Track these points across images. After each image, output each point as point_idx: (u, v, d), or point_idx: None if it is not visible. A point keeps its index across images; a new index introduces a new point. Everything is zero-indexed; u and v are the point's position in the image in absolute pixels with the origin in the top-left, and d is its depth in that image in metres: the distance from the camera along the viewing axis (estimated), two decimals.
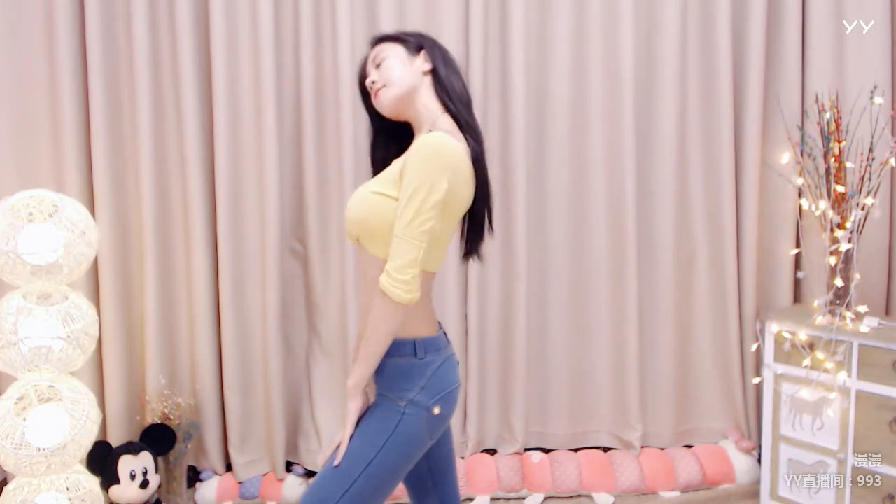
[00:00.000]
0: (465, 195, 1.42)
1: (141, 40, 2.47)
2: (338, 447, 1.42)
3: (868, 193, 2.37)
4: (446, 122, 1.46)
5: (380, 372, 1.45)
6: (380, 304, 1.36)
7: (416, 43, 1.50)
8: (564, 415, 2.81)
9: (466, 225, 1.56)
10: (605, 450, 2.82)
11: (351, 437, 1.41)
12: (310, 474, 2.69)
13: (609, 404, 2.80)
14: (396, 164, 1.43)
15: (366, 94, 1.55)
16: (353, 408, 1.42)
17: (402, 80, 1.46)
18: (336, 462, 1.39)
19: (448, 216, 1.41)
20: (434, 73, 1.49)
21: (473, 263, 2.64)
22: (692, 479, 2.69)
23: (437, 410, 1.42)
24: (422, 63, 1.48)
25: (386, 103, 1.47)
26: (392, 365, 1.43)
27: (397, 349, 1.43)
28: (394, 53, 1.48)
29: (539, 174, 2.72)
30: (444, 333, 1.53)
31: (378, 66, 1.48)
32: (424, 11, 2.59)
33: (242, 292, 2.63)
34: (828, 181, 2.43)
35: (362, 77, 1.55)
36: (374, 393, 1.48)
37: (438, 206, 1.34)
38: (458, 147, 1.38)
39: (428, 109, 1.48)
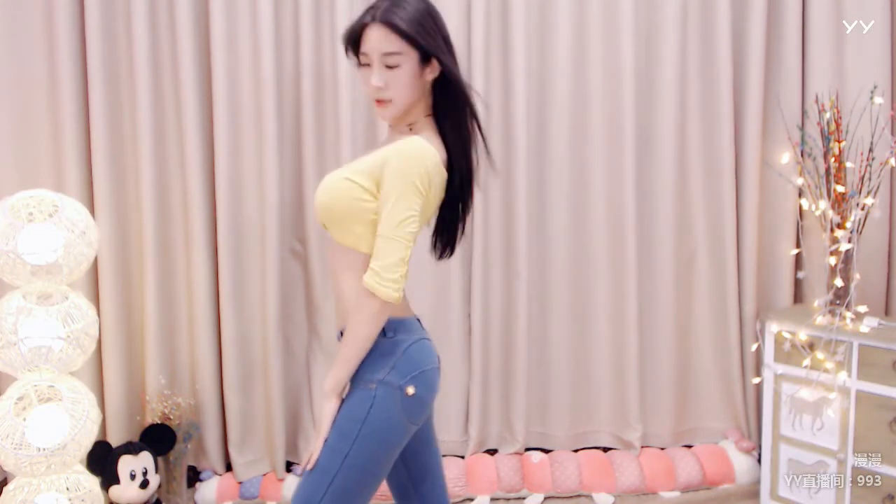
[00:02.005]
0: (434, 201, 1.43)
1: (141, 40, 2.47)
2: (311, 456, 1.39)
3: (868, 193, 2.37)
4: (428, 125, 1.46)
5: None
6: (366, 304, 1.35)
7: (429, 49, 1.38)
8: (565, 415, 2.81)
9: (441, 226, 1.57)
10: (605, 450, 2.82)
11: (331, 432, 1.39)
12: None
13: (609, 404, 2.80)
14: (373, 156, 1.41)
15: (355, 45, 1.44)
16: (330, 412, 1.39)
17: (409, 98, 1.42)
18: (309, 467, 1.37)
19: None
20: (440, 79, 1.43)
21: (476, 264, 2.66)
22: (692, 479, 2.69)
23: (411, 391, 1.39)
24: (429, 73, 1.42)
25: (387, 117, 1.44)
26: None
27: None
28: (408, 62, 1.38)
29: (539, 174, 2.72)
30: (419, 320, 1.52)
31: (389, 66, 1.38)
32: None
33: (242, 292, 2.63)
34: (828, 181, 2.43)
35: (354, 33, 1.41)
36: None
37: (420, 209, 1.35)
38: (434, 154, 1.38)
39: (416, 109, 1.46)
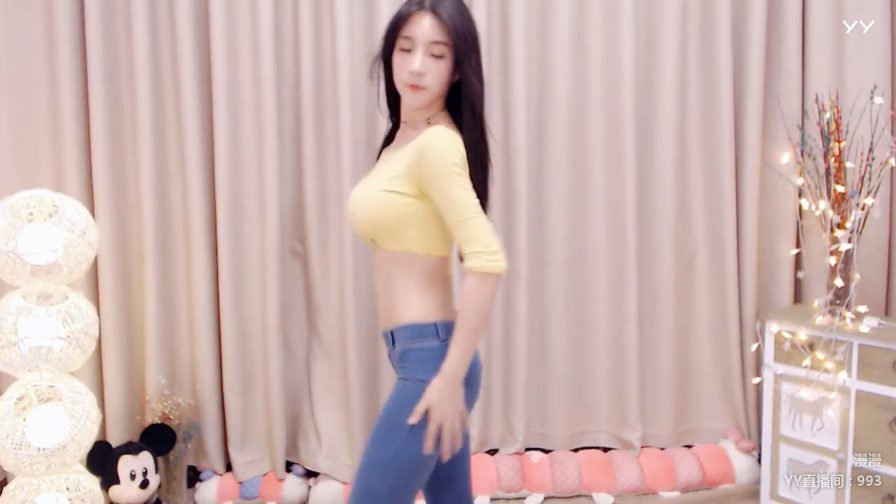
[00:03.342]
0: None
1: (141, 40, 2.47)
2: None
3: (868, 193, 2.37)
4: (444, 118, 1.49)
5: (403, 358, 1.46)
6: (479, 285, 1.35)
7: (461, 56, 1.43)
8: (565, 415, 2.81)
9: None
10: (605, 450, 2.82)
11: (379, 426, 1.44)
12: (310, 474, 2.69)
13: (609, 404, 2.80)
14: (400, 160, 1.45)
15: (388, 53, 1.49)
16: (462, 397, 1.41)
17: (440, 90, 1.46)
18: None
19: None
20: (461, 82, 1.47)
21: None
22: (692, 479, 2.69)
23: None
24: (456, 74, 1.47)
25: (418, 105, 1.46)
26: (418, 349, 1.44)
27: (421, 333, 1.44)
28: (449, 56, 1.43)
29: (539, 174, 2.72)
30: None
31: (435, 55, 1.42)
32: None
33: (242, 292, 2.63)
34: (828, 181, 2.43)
35: (401, 18, 1.44)
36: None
37: (470, 185, 1.39)
38: (460, 139, 1.42)
39: (436, 103, 1.49)
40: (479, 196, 1.49)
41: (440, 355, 1.42)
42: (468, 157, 1.46)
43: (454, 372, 1.39)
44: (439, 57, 1.42)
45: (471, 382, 1.47)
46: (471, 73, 1.44)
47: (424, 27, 1.41)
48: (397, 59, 1.45)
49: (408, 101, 1.46)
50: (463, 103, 1.46)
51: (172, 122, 2.58)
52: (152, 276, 2.56)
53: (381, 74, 1.54)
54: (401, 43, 1.44)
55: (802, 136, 2.55)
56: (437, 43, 1.41)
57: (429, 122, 1.48)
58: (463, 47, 1.42)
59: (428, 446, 1.39)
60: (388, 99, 1.58)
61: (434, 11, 1.40)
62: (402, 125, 1.57)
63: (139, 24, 2.46)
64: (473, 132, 1.47)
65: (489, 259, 1.35)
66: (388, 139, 1.63)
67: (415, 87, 1.43)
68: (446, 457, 1.42)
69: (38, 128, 2.50)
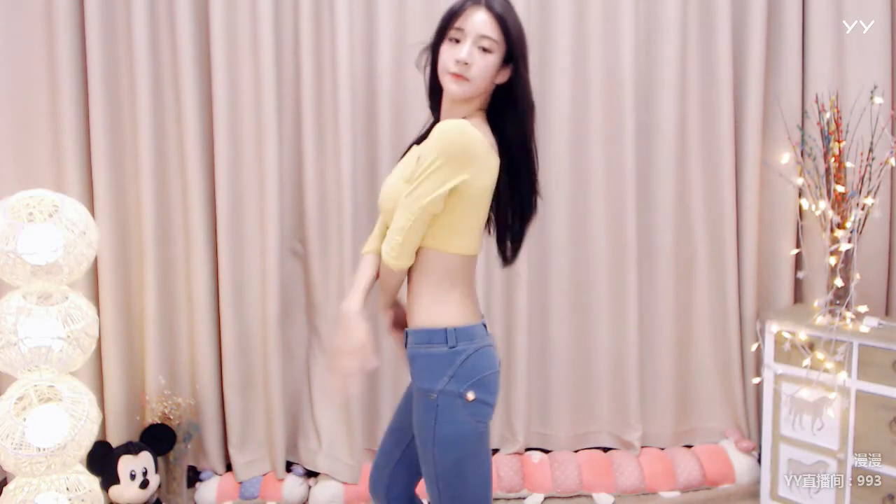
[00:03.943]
0: (486, 183, 1.44)
1: (141, 40, 2.47)
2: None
3: (868, 193, 2.37)
4: (479, 117, 1.49)
5: (413, 362, 1.46)
6: (384, 267, 1.48)
7: (516, 54, 1.45)
8: (565, 415, 2.81)
9: (501, 232, 1.58)
10: (605, 450, 2.82)
11: (422, 449, 1.47)
12: (310, 474, 2.68)
13: (609, 404, 2.80)
14: (417, 150, 1.46)
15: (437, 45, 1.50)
16: (365, 329, 1.44)
17: (483, 86, 1.46)
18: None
19: (470, 202, 1.42)
20: (504, 86, 1.48)
21: (477, 265, 2.66)
22: (692, 479, 2.69)
23: (470, 396, 1.42)
24: (500, 76, 1.47)
25: (458, 95, 1.46)
26: (425, 355, 1.44)
27: (431, 338, 1.44)
28: (497, 54, 1.44)
29: (540, 175, 2.71)
30: (484, 325, 1.53)
31: (483, 49, 1.43)
32: (424, 13, 2.59)
33: (242, 292, 2.63)
34: (828, 181, 2.43)
35: (455, 11, 1.46)
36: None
37: (443, 187, 1.37)
38: (476, 134, 1.40)
39: (473, 103, 1.49)
40: (520, 198, 1.52)
41: (448, 363, 1.42)
42: (511, 155, 1.47)
43: (349, 302, 1.46)
44: (487, 51, 1.43)
45: (487, 388, 1.46)
46: (523, 71, 1.46)
47: (476, 20, 1.43)
48: (445, 48, 1.46)
49: (450, 90, 1.46)
50: (517, 100, 1.47)
51: (172, 122, 2.58)
52: (152, 276, 2.56)
53: (428, 66, 1.54)
54: (451, 33, 1.45)
55: (802, 136, 2.55)
56: (486, 37, 1.43)
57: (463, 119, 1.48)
58: (516, 46, 1.45)
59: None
60: (429, 92, 1.58)
61: (489, 8, 1.43)
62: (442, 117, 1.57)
63: (139, 23, 2.46)
64: (521, 130, 1.48)
65: (384, 245, 1.44)
66: (425, 135, 1.61)
67: (458, 77, 1.44)
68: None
69: (38, 128, 2.49)
